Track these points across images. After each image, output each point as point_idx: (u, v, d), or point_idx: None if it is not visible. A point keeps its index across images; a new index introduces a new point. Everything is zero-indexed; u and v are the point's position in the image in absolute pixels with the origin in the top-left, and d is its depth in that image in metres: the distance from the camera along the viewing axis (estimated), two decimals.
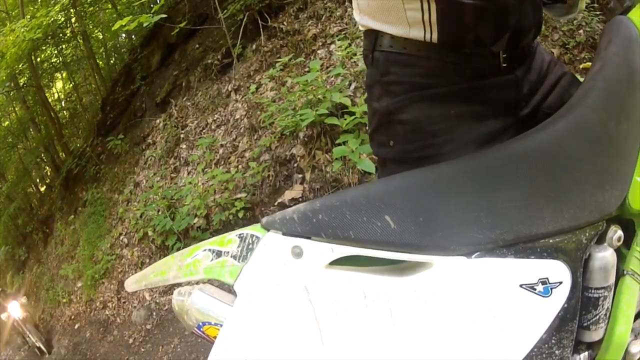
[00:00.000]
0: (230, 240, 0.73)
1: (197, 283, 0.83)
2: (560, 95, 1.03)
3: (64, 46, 12.60)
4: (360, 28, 1.06)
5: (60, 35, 11.84)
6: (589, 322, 0.82)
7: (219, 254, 0.73)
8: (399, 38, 0.95)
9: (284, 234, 0.71)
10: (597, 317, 0.81)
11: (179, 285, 0.84)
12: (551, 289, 0.73)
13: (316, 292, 0.69)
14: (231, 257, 0.71)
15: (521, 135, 0.83)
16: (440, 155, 0.92)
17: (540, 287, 0.73)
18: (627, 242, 0.87)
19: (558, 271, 0.74)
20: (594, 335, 0.83)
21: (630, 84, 0.89)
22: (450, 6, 0.90)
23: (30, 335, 6.90)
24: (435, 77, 0.95)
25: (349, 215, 0.71)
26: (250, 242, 0.72)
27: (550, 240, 0.75)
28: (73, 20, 11.51)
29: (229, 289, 0.74)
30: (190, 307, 0.79)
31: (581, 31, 3.98)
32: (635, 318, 0.91)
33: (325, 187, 3.72)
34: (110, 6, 11.94)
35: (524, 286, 0.72)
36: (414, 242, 0.71)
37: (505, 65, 0.96)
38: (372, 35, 1.00)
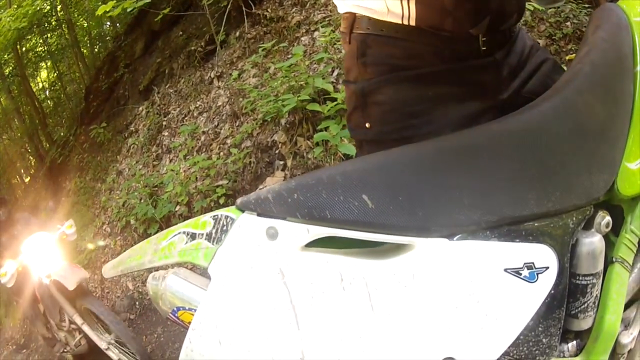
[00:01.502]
0: (204, 223, 0.71)
1: (173, 267, 0.81)
2: (541, 81, 1.02)
3: (49, 35, 12.47)
4: (339, 11, 1.05)
5: (46, 24, 11.70)
6: (577, 310, 0.80)
7: (193, 236, 0.71)
8: (376, 20, 0.94)
9: (258, 214, 0.69)
10: (586, 305, 0.80)
11: (157, 270, 0.81)
12: (537, 274, 0.72)
13: (291, 275, 0.67)
14: (205, 239, 0.69)
15: (506, 115, 0.81)
16: (417, 137, 0.91)
17: (525, 272, 0.71)
18: (616, 229, 0.86)
19: (544, 256, 0.72)
20: (583, 323, 0.81)
21: (619, 70, 0.88)
22: None
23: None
24: (412, 58, 0.94)
25: (325, 194, 0.68)
26: (225, 223, 0.69)
27: (536, 224, 0.73)
28: (59, 8, 11.37)
29: (204, 272, 0.72)
30: (165, 291, 0.77)
31: (568, 23, 4.01)
32: (626, 307, 0.90)
33: (306, 173, 3.71)
34: None
35: (508, 270, 0.70)
36: (392, 222, 0.68)
37: (484, 48, 0.95)
38: (351, 17, 0.99)
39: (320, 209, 0.67)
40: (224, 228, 0.69)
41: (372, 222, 0.68)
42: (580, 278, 0.79)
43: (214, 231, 0.69)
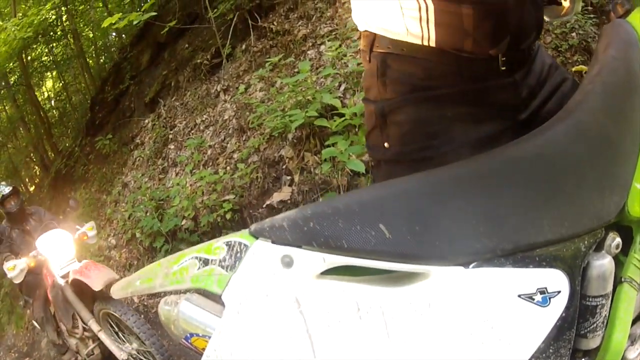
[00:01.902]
0: (217, 248, 0.69)
1: (185, 292, 0.80)
2: (560, 101, 1.00)
3: (54, 45, 12.54)
4: (359, 29, 1.04)
5: (51, 33, 11.78)
6: (586, 330, 0.80)
7: (206, 262, 0.69)
8: (397, 40, 0.94)
9: (273, 242, 0.68)
10: (595, 325, 0.80)
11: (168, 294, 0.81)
12: (549, 298, 0.72)
13: (307, 303, 0.66)
14: (219, 265, 0.68)
15: (518, 139, 0.80)
16: (436, 158, 0.92)
17: (538, 297, 0.71)
18: (625, 249, 0.85)
19: (556, 280, 0.72)
20: (591, 343, 0.81)
21: (629, 88, 0.87)
22: (448, 12, 0.88)
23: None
24: (433, 79, 0.94)
25: (342, 223, 0.67)
26: (239, 250, 0.68)
27: (550, 249, 0.73)
28: (64, 18, 11.45)
29: (217, 298, 0.70)
30: (177, 317, 0.76)
31: (574, 34, 3.96)
32: (632, 323, 0.90)
33: (314, 189, 3.68)
34: (101, 4, 11.88)
35: (522, 296, 0.70)
36: (409, 251, 0.68)
37: (504, 68, 0.94)
38: (371, 36, 0.99)
39: (336, 238, 0.67)
40: (238, 255, 0.68)
41: (389, 251, 0.67)
42: (590, 299, 0.79)
43: (227, 257, 0.68)
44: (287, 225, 0.68)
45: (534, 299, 0.70)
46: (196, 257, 0.71)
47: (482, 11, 0.88)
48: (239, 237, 0.69)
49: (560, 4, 1.19)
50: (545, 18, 1.28)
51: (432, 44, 0.91)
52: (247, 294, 0.67)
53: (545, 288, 0.71)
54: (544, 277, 0.72)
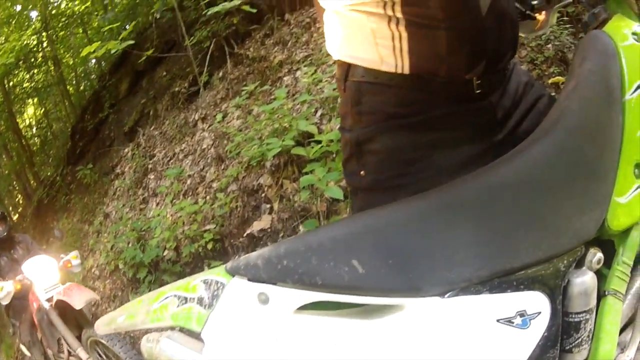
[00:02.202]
0: (195, 286, 0.71)
1: (167, 329, 0.79)
2: (536, 119, 1.00)
3: (35, 71, 12.48)
4: (334, 58, 1.04)
5: (32, 59, 11.72)
6: (571, 346, 0.80)
7: (185, 300, 0.70)
8: (371, 69, 0.94)
9: (249, 279, 0.69)
10: (580, 339, 0.80)
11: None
12: (529, 320, 0.72)
13: (285, 338, 0.67)
14: (197, 303, 0.69)
15: (493, 164, 0.80)
16: (413, 184, 0.91)
17: (518, 320, 0.71)
18: (607, 261, 0.85)
19: (536, 302, 0.73)
20: (578, 357, 0.81)
21: (607, 102, 0.87)
22: (422, 40, 0.89)
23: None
24: (407, 106, 0.94)
25: (315, 260, 0.68)
26: (216, 288, 0.69)
27: (528, 272, 0.73)
28: (45, 44, 11.41)
29: (197, 336, 0.71)
30: (159, 355, 0.76)
31: (549, 45, 3.97)
32: (621, 331, 0.91)
33: (293, 216, 3.65)
34: (80, 30, 11.87)
35: (501, 321, 0.70)
36: (384, 285, 0.68)
37: (479, 91, 0.94)
38: (344, 65, 0.99)
39: (310, 275, 0.68)
40: (215, 293, 0.69)
41: (363, 286, 0.68)
42: (574, 316, 0.79)
43: (205, 296, 0.69)
44: (262, 263, 0.69)
45: (513, 323, 0.70)
46: (175, 295, 0.71)
47: (457, 36, 0.88)
48: (216, 275, 0.71)
49: (535, 18, 1.20)
50: (521, 34, 1.28)
51: (406, 71, 0.91)
52: (225, 332, 0.68)
53: (525, 310, 0.71)
54: (522, 300, 0.72)
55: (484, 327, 0.70)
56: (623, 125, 0.86)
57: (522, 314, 0.71)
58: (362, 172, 0.98)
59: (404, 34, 0.89)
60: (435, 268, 0.70)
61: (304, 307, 0.68)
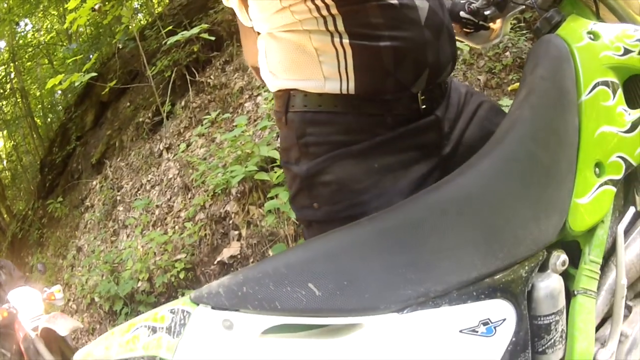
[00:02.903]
0: (163, 316, 0.72)
1: (140, 359, 0.80)
2: (479, 126, 1.02)
3: (3, 103, 12.30)
4: (271, 90, 1.01)
5: (1, 91, 11.56)
6: (544, 347, 0.80)
7: (154, 329, 0.71)
8: (312, 95, 0.92)
9: (212, 307, 0.70)
10: (552, 340, 0.80)
11: None
12: (494, 327, 0.73)
13: None
14: (166, 332, 0.70)
15: (444, 180, 0.81)
16: (368, 212, 0.87)
17: (482, 329, 0.72)
18: (575, 261, 0.86)
19: (499, 309, 0.74)
20: (553, 357, 0.82)
21: (561, 107, 0.87)
22: (367, 53, 0.88)
23: None
24: (355, 132, 0.92)
25: (272, 286, 0.70)
26: (182, 317, 0.71)
27: (486, 281, 0.74)
28: (13, 75, 11.29)
29: None
30: None
31: (507, 53, 4.04)
32: (600, 325, 0.92)
33: (262, 241, 3.69)
34: (46, 61, 11.77)
35: (464, 331, 0.71)
36: (340, 306, 0.70)
37: (424, 107, 0.94)
38: (284, 96, 0.96)
39: (269, 300, 0.69)
40: (182, 321, 0.70)
41: (320, 308, 0.70)
42: (542, 318, 0.79)
43: (172, 325, 0.70)
44: (223, 291, 0.71)
45: (477, 331, 0.72)
46: (145, 326, 0.73)
47: (401, 47, 0.88)
48: (182, 304, 0.72)
49: (489, 28, 1.20)
50: (477, 46, 1.28)
51: (352, 91, 0.89)
52: (195, 357, 0.69)
53: (488, 319, 0.72)
54: (485, 309, 0.73)
55: (447, 338, 0.71)
56: (580, 126, 0.86)
57: (485, 323, 0.72)
58: (315, 205, 0.95)
59: (349, 50, 0.87)
60: (390, 286, 0.71)
61: (269, 330, 0.70)
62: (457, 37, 1.25)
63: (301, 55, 0.91)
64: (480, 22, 1.19)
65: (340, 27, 0.87)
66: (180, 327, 0.70)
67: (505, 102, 3.35)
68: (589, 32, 0.93)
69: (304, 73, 0.92)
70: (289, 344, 0.70)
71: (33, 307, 3.33)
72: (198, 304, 0.71)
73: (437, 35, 0.92)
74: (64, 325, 3.04)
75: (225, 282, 0.72)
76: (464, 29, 1.23)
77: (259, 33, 1.00)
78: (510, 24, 1.18)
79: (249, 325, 0.69)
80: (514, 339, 0.74)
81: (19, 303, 3.31)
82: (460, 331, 0.71)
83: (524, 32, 4.06)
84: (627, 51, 0.93)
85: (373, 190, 0.91)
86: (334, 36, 0.88)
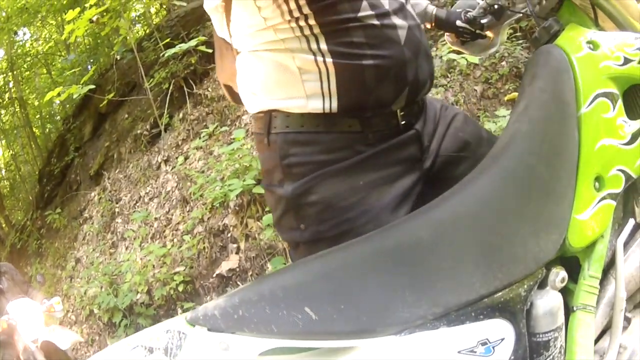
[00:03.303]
0: (159, 337, 0.71)
1: None
2: (453, 137, 1.04)
3: (2, 112, 12.31)
4: (250, 111, 1.02)
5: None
6: None
7: (151, 350, 0.70)
8: (294, 115, 0.93)
9: (209, 329, 0.70)
10: (551, 356, 0.79)
11: None
12: (493, 347, 0.72)
13: None
14: (162, 353, 0.69)
15: (442, 198, 0.79)
16: (355, 229, 0.90)
17: (480, 349, 0.71)
18: (573, 276, 0.84)
19: (498, 329, 0.73)
20: None
21: (561, 120, 0.85)
22: (350, 72, 0.89)
23: None
24: (338, 150, 0.92)
25: (269, 309, 0.70)
26: (178, 338, 0.70)
27: (485, 302, 0.73)
28: (11, 84, 11.31)
29: None
30: None
31: (504, 63, 4.02)
32: (597, 340, 0.91)
33: (260, 254, 3.69)
34: (45, 71, 11.79)
35: (463, 352, 0.70)
36: (337, 330, 0.69)
37: (403, 122, 0.96)
38: (265, 118, 0.96)
39: (266, 323, 0.69)
40: (178, 343, 0.69)
41: (317, 331, 0.69)
42: (541, 335, 0.78)
43: (169, 346, 0.70)
44: (219, 314, 0.70)
45: (475, 352, 0.71)
46: (142, 346, 0.71)
47: (383, 66, 0.89)
48: (177, 325, 0.72)
49: (486, 36, 1.20)
50: (473, 55, 1.28)
51: (334, 109, 0.91)
52: None
53: (487, 339, 0.71)
54: (483, 329, 0.72)
55: (445, 359, 0.70)
56: (580, 140, 0.84)
57: (484, 343, 0.71)
58: (302, 226, 0.95)
59: (332, 69, 0.89)
60: (387, 309, 0.70)
61: (265, 352, 0.69)
62: (453, 47, 1.29)
63: (284, 75, 0.92)
64: (477, 31, 1.19)
65: (323, 47, 0.88)
66: (177, 348, 0.69)
67: (502, 112, 3.37)
68: (588, 42, 0.91)
69: (287, 92, 0.93)
70: None
71: (33, 319, 3.36)
72: (194, 325, 0.71)
73: (416, 54, 0.93)
74: (64, 339, 3.08)
75: (222, 304, 0.72)
76: (460, 38, 1.24)
77: (237, 52, 1.00)
78: (507, 33, 1.17)
79: (246, 347, 0.69)
80: (512, 357, 0.74)
81: (19, 315, 3.34)
82: (459, 352, 0.70)
83: (520, 41, 4.06)
84: (627, 60, 0.91)
85: (359, 207, 0.92)
86: (317, 55, 0.89)
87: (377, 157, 0.94)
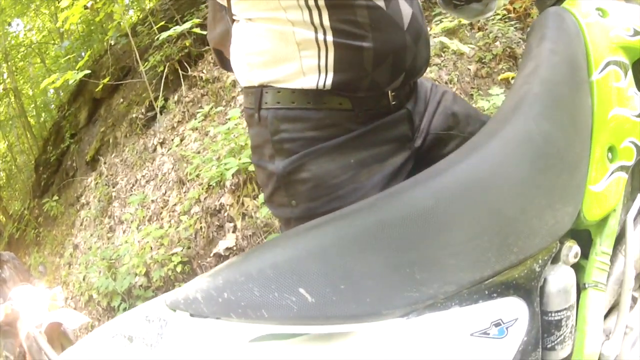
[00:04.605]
0: (138, 324, 0.66)
1: None
2: (443, 114, 1.05)
3: None
4: (241, 83, 1.01)
5: None
6: (553, 344, 0.75)
7: (130, 338, 0.64)
8: (285, 92, 0.92)
9: (191, 315, 0.64)
10: (562, 336, 0.75)
11: None
12: (506, 328, 0.67)
13: None
14: (142, 342, 0.64)
15: (447, 162, 0.73)
16: (345, 206, 0.87)
17: (494, 330, 0.66)
18: (584, 251, 0.80)
19: (512, 308, 0.68)
20: (561, 353, 0.76)
21: (574, 84, 0.80)
22: (349, 52, 0.88)
23: None
24: (329, 127, 0.92)
25: (258, 291, 0.62)
26: (159, 325, 0.64)
27: (499, 278, 0.67)
28: (5, 75, 11.26)
29: None
30: None
31: (497, 43, 4.07)
32: (604, 318, 0.87)
33: (257, 232, 3.72)
34: (39, 60, 11.73)
35: (475, 334, 0.65)
36: (338, 313, 0.61)
37: (394, 102, 0.96)
38: (256, 92, 0.95)
39: (255, 308, 0.61)
40: (159, 331, 0.64)
41: (315, 315, 0.62)
42: (554, 314, 0.74)
43: (149, 333, 0.64)
44: (202, 297, 0.63)
45: (489, 334, 0.66)
46: (121, 335, 0.65)
47: (383, 49, 0.89)
48: (157, 310, 0.66)
49: (480, 0, 1.15)
50: (467, 20, 1.24)
51: (328, 87, 0.90)
52: None
53: (500, 319, 0.66)
54: (497, 309, 0.66)
55: (457, 343, 0.64)
56: (592, 107, 0.80)
57: (497, 324, 0.66)
58: (293, 202, 0.95)
59: (331, 48, 0.87)
60: (394, 289, 0.63)
61: (257, 338, 0.63)
62: (445, 10, 1.25)
63: (283, 49, 0.90)
64: None
65: (326, 22, 0.87)
66: (158, 336, 0.63)
67: (495, 91, 3.39)
68: (597, 9, 0.88)
69: (284, 65, 0.91)
70: (280, 350, 0.63)
71: (36, 305, 3.38)
72: (175, 310, 0.65)
73: (416, 41, 0.93)
74: (73, 319, 3.10)
75: (204, 286, 0.65)
76: (454, 1, 1.20)
77: (235, 19, 0.98)
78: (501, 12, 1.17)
79: (233, 334, 0.62)
80: (525, 338, 0.69)
81: (23, 300, 3.36)
82: (471, 335, 0.65)
83: (514, 22, 4.11)
84: (636, 32, 0.88)
85: (349, 185, 0.93)
86: (318, 32, 0.87)
87: (368, 136, 0.94)
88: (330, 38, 0.87)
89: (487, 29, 4.19)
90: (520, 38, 4.08)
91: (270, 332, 0.62)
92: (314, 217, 0.88)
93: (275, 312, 0.61)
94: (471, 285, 0.66)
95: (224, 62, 1.15)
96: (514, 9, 4.24)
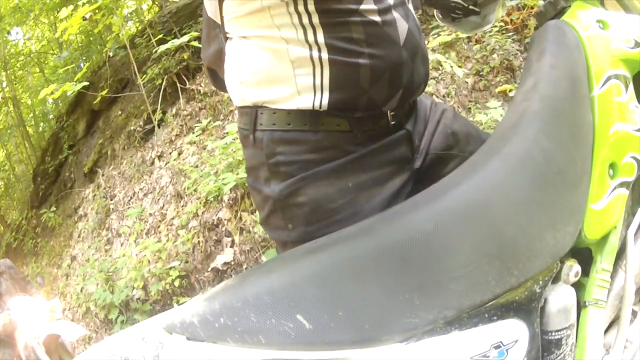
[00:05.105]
0: (135, 345, 0.66)
1: None
2: (443, 134, 1.02)
3: None
4: (235, 103, 0.99)
5: None
6: None
7: None
8: (281, 113, 0.90)
9: (187, 338, 0.64)
10: (562, 355, 0.74)
11: None
12: (506, 350, 0.66)
13: None
14: None
15: (445, 183, 0.73)
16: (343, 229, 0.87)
17: (494, 353, 0.65)
18: (584, 269, 0.79)
19: (512, 330, 0.67)
20: None
21: (574, 99, 0.79)
22: (345, 69, 0.86)
23: None
24: (326, 150, 0.90)
25: (254, 317, 0.62)
26: (155, 347, 0.64)
27: (499, 301, 0.66)
28: (5, 84, 11.28)
29: None
30: None
31: (495, 55, 4.08)
32: (604, 333, 0.86)
33: (255, 247, 3.72)
34: (37, 70, 11.76)
35: (475, 357, 0.64)
36: (336, 339, 0.61)
37: (393, 122, 0.95)
38: (251, 113, 0.92)
39: (252, 334, 0.62)
40: (155, 352, 0.64)
41: (313, 341, 0.61)
42: (554, 333, 0.73)
43: (146, 354, 0.64)
44: (198, 322, 0.64)
45: (489, 356, 0.65)
46: (118, 356, 0.66)
47: (379, 66, 0.87)
48: (153, 332, 0.66)
49: (479, 12, 1.15)
50: (465, 33, 1.22)
51: (324, 107, 0.88)
52: None
53: (500, 342, 0.66)
54: (497, 331, 0.66)
55: None
56: (593, 123, 0.79)
57: (497, 346, 0.66)
58: (289, 226, 0.93)
59: (326, 66, 0.86)
60: (393, 314, 0.63)
61: None
62: (443, 23, 1.24)
63: (277, 67, 0.88)
64: (471, 7, 1.14)
65: (320, 39, 0.85)
66: (155, 358, 0.63)
67: (493, 104, 3.40)
68: (597, 21, 0.87)
69: (278, 85, 0.89)
70: None
71: (35, 315, 3.38)
72: (171, 333, 0.66)
73: (413, 57, 0.92)
74: (71, 332, 3.09)
75: (200, 311, 0.65)
76: (452, 14, 1.19)
77: (228, 37, 0.97)
78: (505, 8, 1.15)
79: (231, 359, 0.62)
80: (525, 359, 0.68)
81: (21, 310, 3.35)
82: (471, 358, 0.64)
83: (511, 34, 4.12)
84: (637, 44, 0.87)
85: (348, 209, 0.90)
86: (313, 49, 0.86)
87: (367, 158, 0.92)
88: (325, 55, 0.86)
89: (484, 42, 4.20)
90: (517, 50, 4.09)
91: (267, 358, 0.62)
92: (311, 240, 0.87)
93: (273, 338, 0.61)
94: (471, 310, 0.65)
95: (218, 82, 1.13)
96: (511, 20, 4.25)
